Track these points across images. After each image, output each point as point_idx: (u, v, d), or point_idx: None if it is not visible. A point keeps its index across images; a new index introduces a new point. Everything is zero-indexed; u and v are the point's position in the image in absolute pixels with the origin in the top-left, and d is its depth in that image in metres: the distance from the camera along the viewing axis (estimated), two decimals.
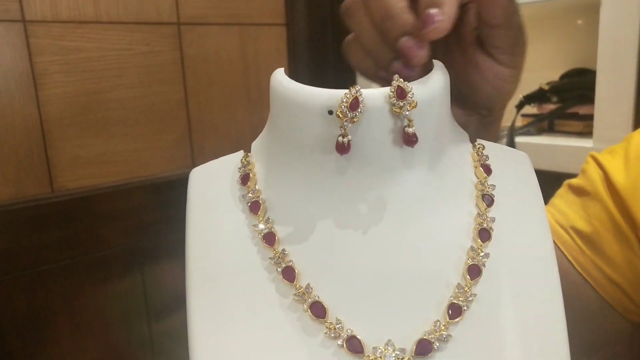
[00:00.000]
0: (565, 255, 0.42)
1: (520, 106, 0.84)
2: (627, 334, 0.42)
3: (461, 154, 0.30)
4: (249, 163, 0.30)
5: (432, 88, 0.27)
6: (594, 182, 0.42)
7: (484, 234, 0.27)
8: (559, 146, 0.73)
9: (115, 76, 0.81)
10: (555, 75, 0.84)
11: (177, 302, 0.89)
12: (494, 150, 0.30)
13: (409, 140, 0.26)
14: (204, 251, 0.28)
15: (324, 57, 1.03)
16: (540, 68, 0.94)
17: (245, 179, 0.29)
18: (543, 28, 0.94)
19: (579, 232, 0.41)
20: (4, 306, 0.74)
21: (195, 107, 0.90)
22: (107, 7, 0.79)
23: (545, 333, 0.26)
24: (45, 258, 0.77)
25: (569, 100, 0.78)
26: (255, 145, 0.31)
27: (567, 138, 0.77)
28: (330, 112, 0.26)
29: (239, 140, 0.94)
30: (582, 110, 0.77)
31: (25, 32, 0.73)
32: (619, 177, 0.40)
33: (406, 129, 0.25)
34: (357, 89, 0.25)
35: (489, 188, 0.29)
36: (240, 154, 0.31)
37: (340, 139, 0.25)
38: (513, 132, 0.78)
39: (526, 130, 0.80)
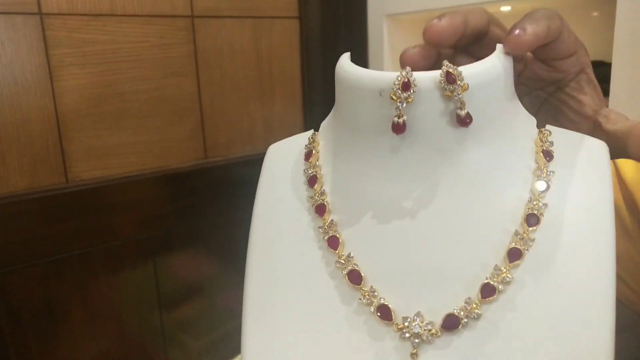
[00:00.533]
0: None
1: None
2: (632, 324, 0.42)
3: (523, 138, 0.29)
4: (314, 141, 0.32)
5: (485, 70, 0.27)
6: None
7: (532, 219, 0.27)
8: None
9: (130, 68, 0.82)
10: None
11: (188, 292, 0.90)
12: (564, 137, 0.29)
13: (462, 121, 0.26)
14: (265, 218, 0.31)
15: (336, 49, 1.03)
16: None
17: (308, 155, 0.32)
18: None
19: None
20: (20, 294, 0.76)
21: (208, 100, 0.90)
22: (123, 0, 0.80)
23: (582, 329, 0.25)
24: (60, 248, 0.78)
25: None
26: (323, 124, 0.33)
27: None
28: (381, 94, 0.26)
29: (251, 132, 0.94)
30: None
31: (42, 24, 0.74)
32: (628, 169, 0.40)
33: (458, 111, 0.26)
34: (407, 70, 0.26)
35: (547, 174, 0.28)
36: (311, 132, 0.33)
37: (395, 119, 0.26)
38: None
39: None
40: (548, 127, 0.30)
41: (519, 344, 0.25)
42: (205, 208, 0.89)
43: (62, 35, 0.76)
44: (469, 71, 0.26)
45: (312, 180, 0.30)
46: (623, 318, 0.41)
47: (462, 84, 0.26)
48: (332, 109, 0.32)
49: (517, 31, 0.28)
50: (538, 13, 0.29)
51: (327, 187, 0.30)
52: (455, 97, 0.26)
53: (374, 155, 0.28)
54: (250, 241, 0.31)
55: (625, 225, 0.40)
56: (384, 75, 0.26)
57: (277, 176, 0.32)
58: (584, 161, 0.28)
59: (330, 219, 0.29)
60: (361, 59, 1.02)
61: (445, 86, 0.26)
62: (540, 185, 0.27)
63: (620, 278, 0.39)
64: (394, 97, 0.26)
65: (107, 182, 0.82)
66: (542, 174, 0.28)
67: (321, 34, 1.01)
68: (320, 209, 0.29)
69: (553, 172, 0.28)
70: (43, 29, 0.74)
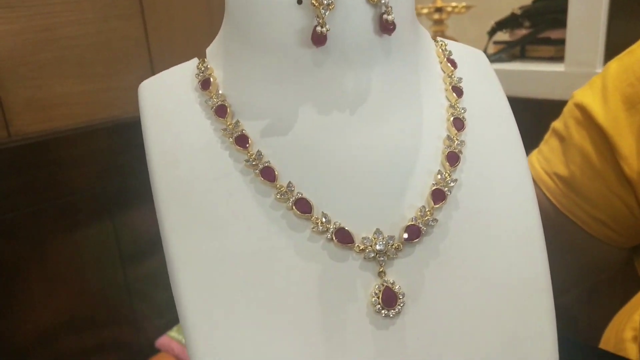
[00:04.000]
0: (550, 200, 0.43)
1: (492, 33, 0.82)
2: (615, 260, 0.44)
3: (428, 48, 0.30)
4: (207, 68, 0.28)
5: None
6: (569, 127, 0.43)
7: (458, 123, 0.28)
8: (531, 72, 0.72)
9: (65, 10, 0.76)
10: (528, 0, 0.82)
11: (151, 245, 0.89)
12: (455, 48, 0.31)
13: (386, 27, 0.25)
14: (171, 162, 0.26)
15: None
16: None
17: (205, 84, 0.28)
18: None
19: (560, 177, 0.43)
20: None
21: (157, 44, 0.85)
22: None
23: (518, 214, 0.27)
24: (8, 206, 0.74)
25: (541, 25, 0.77)
26: (210, 50, 0.29)
27: (539, 63, 0.76)
28: (300, 2, 0.24)
29: None
30: (554, 34, 0.76)
31: None
32: (598, 110, 0.40)
33: (384, 16, 0.24)
34: None
35: (456, 80, 0.29)
36: (194, 61, 0.29)
37: (318, 28, 0.24)
38: None
39: (498, 57, 0.78)
40: (439, 38, 0.31)
41: (469, 240, 0.26)
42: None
43: None
44: None
45: (220, 111, 0.26)
46: (612, 258, 0.43)
47: None
48: (221, 30, 0.29)
49: None
50: None
51: (239, 117, 0.27)
52: (382, 2, 0.24)
53: (293, 72, 0.26)
54: (156, 193, 0.26)
55: (598, 172, 0.40)
56: None
57: (166, 115, 0.27)
58: (479, 68, 0.31)
59: (256, 150, 0.26)
60: None
61: None
62: (456, 91, 0.29)
63: (602, 222, 0.41)
64: (315, 3, 0.23)
65: (54, 135, 0.77)
66: (452, 80, 0.29)
67: None
68: (241, 141, 0.26)
69: (461, 78, 0.29)
70: None
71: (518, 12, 0.79)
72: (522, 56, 0.80)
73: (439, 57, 0.30)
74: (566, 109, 0.44)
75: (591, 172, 0.41)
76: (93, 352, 0.87)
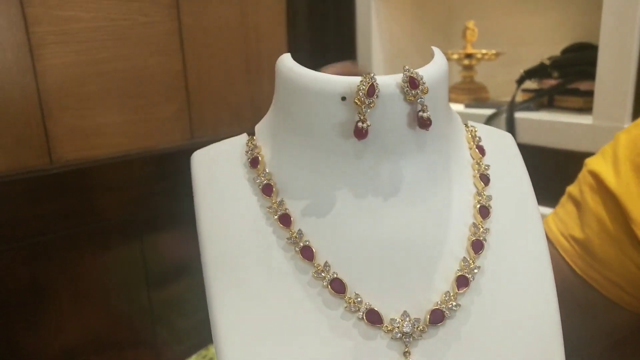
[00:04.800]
0: (567, 262, 0.44)
1: (520, 81, 0.83)
2: (631, 323, 0.44)
3: (458, 136, 0.31)
4: (255, 146, 0.30)
5: (437, 72, 0.28)
6: (583, 193, 0.44)
7: (484, 211, 0.29)
8: (558, 122, 0.73)
9: (114, 47, 0.81)
10: (557, 50, 0.83)
11: (176, 271, 0.91)
12: (484, 132, 0.32)
13: (424, 124, 0.26)
14: (220, 235, 0.28)
15: (324, 28, 1.02)
16: (542, 42, 0.93)
17: (254, 162, 0.30)
18: (546, 0, 0.93)
19: (576, 240, 0.44)
20: (5, 276, 0.75)
21: (194, 79, 0.89)
22: None
23: (537, 299, 0.29)
24: (45, 228, 0.78)
25: (570, 76, 0.78)
26: (259, 128, 0.31)
27: (567, 114, 0.76)
28: (344, 99, 0.26)
29: (238, 112, 0.93)
30: (583, 86, 0.77)
31: (21, 1, 0.72)
32: (610, 178, 0.42)
33: (420, 113, 0.26)
34: (371, 75, 0.26)
35: (484, 168, 0.30)
36: (243, 137, 0.32)
37: (359, 124, 0.26)
38: (513, 107, 0.78)
39: (526, 106, 0.79)
40: (470, 122, 0.32)
41: (490, 325, 0.27)
42: (192, 188, 0.88)
43: (43, 12, 0.74)
44: (426, 73, 0.27)
45: (266, 189, 0.29)
46: (626, 321, 0.44)
47: (423, 87, 0.26)
48: (270, 111, 0.31)
49: None
50: None
51: (284, 196, 0.29)
52: (419, 101, 0.26)
53: (335, 160, 0.28)
54: (205, 263, 0.28)
55: (611, 234, 0.41)
56: (344, 79, 0.26)
57: (219, 187, 0.30)
58: (506, 153, 0.32)
59: (297, 229, 0.28)
60: (349, 37, 1.01)
61: (408, 91, 0.26)
62: (483, 179, 0.30)
63: (617, 285, 0.42)
64: (358, 102, 0.25)
65: (92, 162, 0.81)
66: (480, 167, 0.30)
67: (309, 11, 1.00)
68: (284, 219, 0.28)
69: (488, 165, 0.31)
70: (22, 6, 0.72)
71: (547, 62, 0.80)
72: (551, 106, 0.81)
73: (468, 142, 0.32)
74: (581, 175, 0.46)
75: (606, 236, 0.42)
76: None
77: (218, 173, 0.30)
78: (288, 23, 0.98)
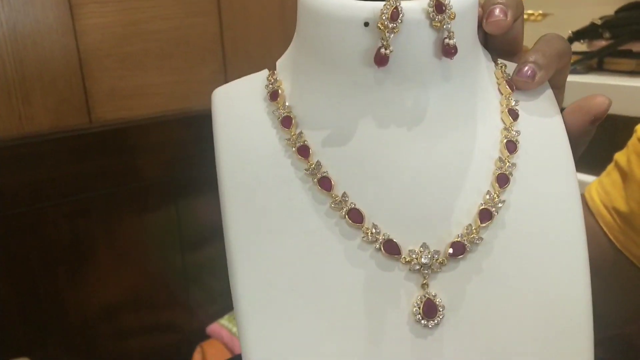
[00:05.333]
0: (607, 235, 0.43)
1: (569, 42, 0.79)
2: None
3: (488, 70, 0.30)
4: (276, 80, 0.30)
5: (467, 0, 0.27)
6: (631, 162, 0.42)
7: (511, 146, 0.28)
8: (607, 85, 0.69)
9: (151, 7, 0.81)
10: (609, 11, 0.79)
11: (210, 234, 0.92)
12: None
13: (448, 52, 0.26)
14: (238, 165, 0.28)
15: None
16: (594, 3, 0.88)
17: (274, 95, 0.29)
18: None
19: (619, 212, 0.42)
20: (48, 232, 0.78)
21: (231, 41, 0.89)
22: None
23: (564, 238, 0.28)
24: (85, 186, 0.80)
25: (623, 36, 0.73)
26: (280, 63, 0.31)
27: (618, 77, 0.72)
28: (367, 24, 0.25)
29: None
30: (636, 47, 0.73)
31: None
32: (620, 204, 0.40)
33: (446, 40, 0.25)
34: None
35: (513, 103, 0.29)
36: (264, 72, 0.31)
37: (382, 50, 0.25)
38: None
39: (573, 69, 0.75)
40: (500, 60, 0.31)
41: (512, 260, 0.27)
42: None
43: None
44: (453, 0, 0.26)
45: (285, 122, 0.28)
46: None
47: (450, 12, 0.25)
48: (291, 45, 0.30)
49: (499, 15, 0.28)
50: (554, 45, 0.30)
51: (303, 128, 0.28)
52: (445, 27, 0.25)
53: (355, 89, 0.27)
54: (222, 194, 0.28)
55: None
56: (367, 4, 0.25)
57: (236, 121, 0.29)
58: (538, 90, 0.31)
59: (316, 160, 0.27)
60: None
61: (434, 16, 0.25)
62: (512, 114, 0.29)
63: None
64: (381, 26, 0.24)
65: (130, 123, 0.82)
66: (509, 102, 0.29)
67: None
68: (303, 151, 0.27)
69: (517, 100, 0.30)
70: None
71: (598, 22, 0.75)
72: (600, 68, 0.77)
73: (497, 78, 0.31)
74: (630, 143, 0.43)
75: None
76: (150, 331, 0.91)
77: (237, 108, 0.30)
78: None
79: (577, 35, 0.78)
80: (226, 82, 0.32)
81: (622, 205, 0.42)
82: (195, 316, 0.96)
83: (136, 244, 0.87)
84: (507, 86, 0.30)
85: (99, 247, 0.83)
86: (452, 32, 0.25)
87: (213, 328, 0.95)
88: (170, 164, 0.86)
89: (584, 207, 0.44)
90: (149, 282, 0.89)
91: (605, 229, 0.43)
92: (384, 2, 0.25)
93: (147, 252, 0.88)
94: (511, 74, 0.31)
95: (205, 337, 0.95)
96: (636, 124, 0.44)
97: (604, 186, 0.44)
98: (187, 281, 0.93)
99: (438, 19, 0.25)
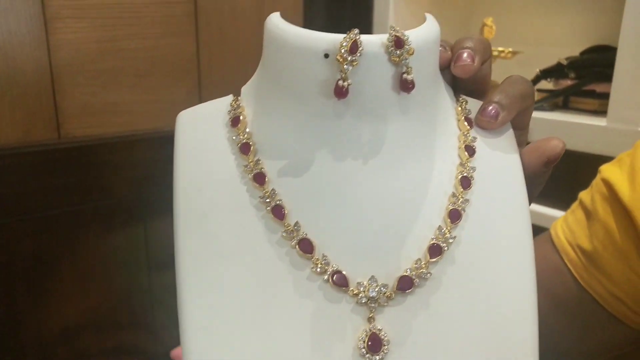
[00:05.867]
0: (572, 272, 0.43)
1: (536, 80, 0.82)
2: (633, 340, 0.44)
3: (447, 106, 0.31)
4: (239, 107, 0.30)
5: (426, 36, 0.27)
6: (595, 201, 0.43)
7: (465, 182, 0.28)
8: (572, 123, 0.72)
9: (128, 25, 0.80)
10: (575, 52, 0.82)
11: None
12: (476, 106, 0.31)
13: (406, 86, 0.26)
14: (194, 189, 0.28)
15: (340, 15, 1.01)
16: (561, 44, 0.92)
17: (235, 121, 0.29)
18: (567, 1, 0.92)
19: (583, 251, 0.43)
20: (10, 248, 0.76)
21: (207, 62, 0.89)
22: None
23: (514, 275, 0.28)
24: (51, 203, 0.78)
25: (587, 77, 0.76)
26: (245, 89, 0.31)
27: (581, 116, 0.75)
28: (327, 56, 0.25)
29: None
30: (599, 88, 0.75)
31: None
32: (624, 189, 0.40)
33: (404, 75, 0.26)
34: (355, 32, 0.25)
35: (470, 139, 0.30)
36: (229, 97, 0.31)
37: (340, 82, 0.25)
38: None
39: (540, 106, 0.78)
40: (462, 96, 0.31)
41: (460, 296, 0.27)
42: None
43: None
44: (414, 35, 0.26)
45: (244, 148, 0.28)
46: (627, 337, 0.43)
47: (409, 48, 0.25)
48: (257, 71, 0.30)
49: (467, 59, 0.29)
50: (516, 86, 0.30)
51: (261, 156, 0.28)
52: (403, 62, 0.25)
53: (314, 120, 0.27)
54: (176, 219, 0.28)
55: (619, 247, 0.40)
56: (328, 36, 0.25)
57: (196, 145, 0.29)
58: (495, 130, 0.31)
59: (271, 188, 0.27)
60: (366, 29, 1.00)
61: (393, 51, 0.25)
62: (469, 150, 0.29)
63: (619, 300, 0.41)
64: (340, 59, 0.25)
65: (100, 140, 0.81)
66: (467, 139, 0.30)
67: None
68: (259, 178, 0.27)
69: (475, 137, 0.30)
70: None
71: (564, 62, 0.78)
72: (565, 107, 0.79)
73: (457, 114, 0.31)
74: (594, 183, 0.44)
75: (613, 249, 0.40)
76: (112, 353, 0.89)
77: (199, 131, 0.30)
78: (305, 10, 0.98)
79: (544, 74, 0.81)
80: (200, 102, 0.32)
81: (586, 244, 0.42)
82: (159, 339, 0.93)
83: (101, 263, 0.84)
84: (465, 122, 0.30)
85: (61, 266, 0.81)
86: (411, 68, 0.26)
87: (177, 352, 0.92)
88: (140, 183, 0.85)
89: (550, 244, 0.45)
90: (112, 302, 0.87)
91: (569, 267, 0.43)
92: (344, 35, 0.25)
93: (112, 272, 0.86)
94: (471, 110, 0.31)
95: None
96: (599, 161, 0.46)
97: (569, 224, 0.45)
98: (152, 302, 0.91)
99: (397, 53, 0.25)
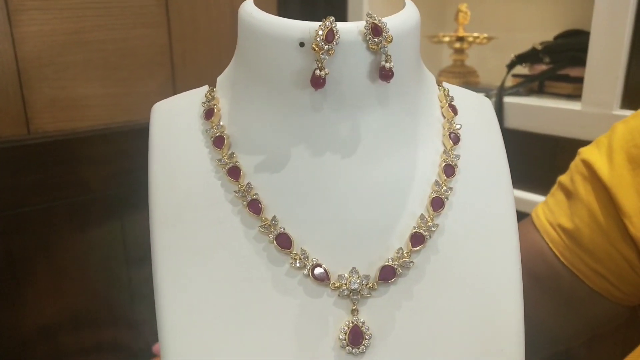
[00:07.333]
0: (554, 251, 0.44)
1: (511, 66, 0.82)
2: (616, 315, 0.44)
3: (430, 93, 0.30)
4: (213, 98, 0.29)
5: (406, 22, 0.26)
6: (575, 182, 0.43)
7: (449, 170, 0.28)
8: (547, 108, 0.72)
9: (96, 16, 0.78)
10: (549, 36, 0.82)
11: None
12: (458, 93, 0.31)
13: (385, 75, 0.25)
14: (169, 184, 0.27)
15: (315, 6, 1.00)
16: (535, 29, 0.92)
17: (209, 113, 0.28)
18: None
19: (564, 229, 0.43)
20: None
21: (180, 53, 0.87)
22: None
23: (498, 264, 0.28)
24: (23, 200, 0.76)
25: (561, 62, 0.77)
26: (220, 80, 0.30)
27: (556, 100, 0.76)
28: (302, 45, 0.24)
29: None
30: (573, 72, 0.76)
31: None
32: (603, 169, 0.41)
33: (383, 63, 0.25)
34: (331, 19, 0.24)
35: (455, 126, 0.29)
36: (204, 88, 0.30)
37: (317, 72, 0.24)
38: (502, 92, 0.77)
39: (515, 91, 0.78)
40: (444, 84, 0.31)
41: (444, 285, 0.26)
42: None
43: None
44: (392, 22, 0.25)
45: (218, 142, 0.27)
46: (610, 313, 0.43)
47: (387, 35, 0.24)
48: (232, 62, 0.29)
49: None
50: None
51: (235, 149, 0.27)
52: (381, 50, 0.25)
53: (291, 111, 0.26)
54: (152, 214, 0.27)
55: (601, 225, 0.41)
56: (303, 24, 0.25)
57: (172, 138, 0.28)
58: (481, 115, 0.31)
59: (246, 183, 0.26)
60: (341, 17, 0.99)
61: (371, 38, 0.24)
62: (453, 138, 0.29)
63: (601, 276, 0.42)
64: (315, 48, 0.24)
65: (72, 135, 0.79)
66: (451, 126, 0.29)
67: None
68: (233, 172, 0.27)
69: (460, 124, 0.29)
70: None
71: (539, 47, 0.79)
72: (540, 91, 0.80)
73: (440, 102, 0.30)
74: (573, 165, 0.45)
75: (596, 227, 0.41)
76: (91, 351, 0.87)
77: (174, 124, 0.29)
78: (279, 1, 0.96)
79: (519, 59, 0.82)
80: (175, 94, 0.31)
81: (567, 223, 0.43)
82: (140, 334, 0.92)
83: (77, 260, 0.83)
84: (449, 110, 0.30)
85: (35, 266, 0.79)
86: (390, 56, 0.25)
87: (159, 347, 0.92)
88: (115, 178, 0.83)
89: (531, 226, 0.46)
90: (91, 299, 0.86)
91: (551, 246, 0.44)
92: (319, 23, 0.24)
93: (89, 269, 0.85)
94: (454, 97, 0.31)
95: (151, 355, 0.92)
96: (576, 144, 0.46)
97: (549, 206, 0.46)
98: (132, 297, 0.90)
99: (375, 41, 0.24)
